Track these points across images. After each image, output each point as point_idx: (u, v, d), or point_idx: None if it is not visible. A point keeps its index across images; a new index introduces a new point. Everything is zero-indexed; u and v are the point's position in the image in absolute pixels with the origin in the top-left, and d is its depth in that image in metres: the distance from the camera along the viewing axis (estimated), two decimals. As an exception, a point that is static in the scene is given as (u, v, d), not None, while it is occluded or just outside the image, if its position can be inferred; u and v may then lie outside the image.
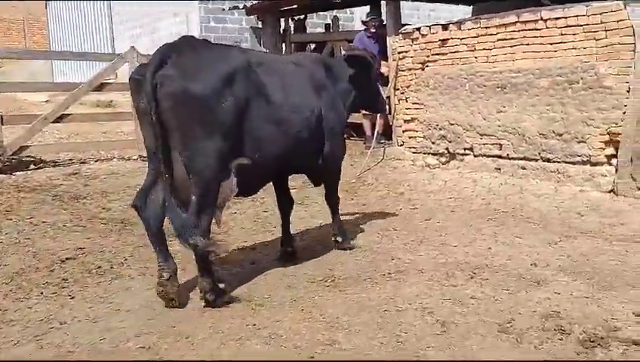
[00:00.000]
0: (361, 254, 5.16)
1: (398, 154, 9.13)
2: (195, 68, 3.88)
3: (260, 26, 11.56)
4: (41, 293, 4.41)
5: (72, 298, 4.34)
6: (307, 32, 12.40)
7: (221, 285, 4.18)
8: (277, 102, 4.32)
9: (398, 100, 9.23)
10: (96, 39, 20.08)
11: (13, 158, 8.89)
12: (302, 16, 12.28)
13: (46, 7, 23.31)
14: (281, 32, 11.41)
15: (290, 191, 5.27)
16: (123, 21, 18.70)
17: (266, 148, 4.25)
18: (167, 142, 3.84)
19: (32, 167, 9.00)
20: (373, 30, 9.64)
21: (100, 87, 9.49)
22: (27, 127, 8.88)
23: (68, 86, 9.76)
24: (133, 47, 9.82)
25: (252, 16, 12.03)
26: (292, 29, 11.88)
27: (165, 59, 3.86)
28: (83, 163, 9.42)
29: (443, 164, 8.62)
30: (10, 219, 6.23)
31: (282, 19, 11.42)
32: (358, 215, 6.56)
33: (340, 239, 5.30)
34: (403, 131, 9.22)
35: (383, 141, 9.67)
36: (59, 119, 9.10)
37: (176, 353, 3.44)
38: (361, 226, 6.09)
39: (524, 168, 7.73)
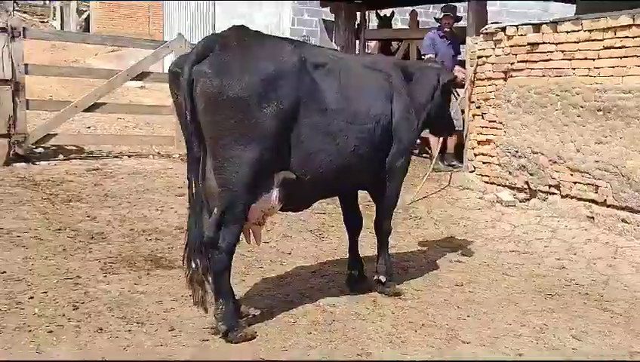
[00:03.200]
0: (320, 335, 3.59)
1: (466, 183, 7.35)
2: (236, 65, 3.35)
3: (333, 19, 10.12)
4: None
5: None
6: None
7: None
8: (334, 110, 3.70)
9: (473, 116, 7.43)
10: (201, 29, 19.72)
11: (47, 146, 8.20)
12: (389, 13, 10.68)
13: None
14: (356, 26, 9.89)
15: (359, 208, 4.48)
16: (224, 11, 18.14)
17: (317, 161, 3.66)
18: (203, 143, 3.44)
19: (60, 157, 8.25)
20: (447, 29, 7.89)
21: (141, 77, 8.57)
22: (54, 115, 8.12)
23: (101, 74, 8.89)
24: (180, 34, 8.83)
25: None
26: (369, 24, 10.35)
27: (207, 51, 3.38)
28: (116, 157, 8.57)
29: (521, 202, 6.75)
30: (-33, 222, 5.34)
31: (358, 13, 9.89)
32: (369, 259, 4.98)
33: (382, 279, 4.34)
34: (475, 155, 7.41)
35: (453, 163, 7.92)
36: (91, 108, 8.27)
37: None
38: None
39: (626, 222, 5.74)
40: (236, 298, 3.79)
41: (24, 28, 7.83)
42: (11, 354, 3.21)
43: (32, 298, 3.96)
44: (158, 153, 8.91)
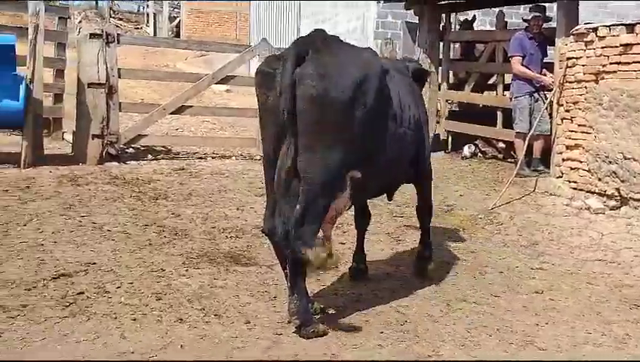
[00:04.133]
0: (392, 334, 3.58)
1: (552, 189, 7.09)
2: (335, 69, 3.51)
3: (417, 21, 9.99)
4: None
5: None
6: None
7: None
8: (395, 113, 3.96)
9: (561, 120, 7.16)
10: (286, 33, 20.05)
11: (136, 146, 8.61)
12: (470, 16, 10.50)
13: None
14: (441, 29, 9.75)
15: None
16: (308, 15, 18.36)
17: (380, 161, 3.85)
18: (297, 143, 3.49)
19: (149, 157, 8.64)
20: (536, 30, 7.64)
21: (226, 80, 8.84)
22: (144, 117, 8.51)
23: (188, 77, 9.22)
24: (264, 39, 9.04)
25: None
26: (455, 26, 10.19)
27: (303, 55, 3.48)
28: (201, 158, 8.86)
29: (611, 210, 6.44)
30: (63, 216, 5.69)
31: (443, 15, 9.75)
32: (446, 263, 4.93)
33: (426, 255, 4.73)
34: (563, 160, 7.14)
35: (540, 168, 7.66)
36: (178, 110, 8.60)
37: None
38: (433, 286, 4.48)
39: None
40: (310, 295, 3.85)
41: (118, 34, 8.26)
42: (99, 338, 3.41)
43: (119, 287, 4.18)
44: (241, 155, 9.16)
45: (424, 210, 4.80)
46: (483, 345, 3.49)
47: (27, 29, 7.45)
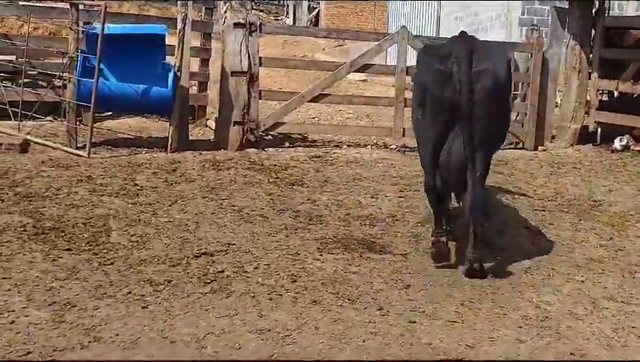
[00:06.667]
0: (531, 330, 3.39)
1: None
2: (496, 64, 4.48)
3: (567, 5, 9.34)
4: (114, 294, 3.81)
5: (145, 307, 3.65)
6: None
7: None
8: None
9: None
10: (425, 22, 19.68)
11: (274, 134, 8.88)
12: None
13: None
14: (594, 13, 9.06)
15: None
16: (448, 3, 17.87)
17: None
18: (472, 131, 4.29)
19: (286, 144, 8.87)
20: None
21: (363, 69, 8.84)
22: (283, 104, 8.72)
23: (326, 66, 9.31)
24: (404, 26, 8.92)
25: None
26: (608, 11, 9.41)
27: (470, 56, 4.34)
28: (336, 146, 8.95)
29: None
30: (205, 198, 5.97)
31: (597, -1, 9.07)
32: (592, 260, 4.66)
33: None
34: None
35: None
36: (315, 99, 8.74)
37: None
38: (576, 283, 4.21)
39: None
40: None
41: (260, 23, 8.50)
42: (237, 315, 3.55)
43: (256, 268, 4.34)
44: (376, 144, 9.13)
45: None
46: (631, 347, 3.25)
47: (176, 19, 7.89)
